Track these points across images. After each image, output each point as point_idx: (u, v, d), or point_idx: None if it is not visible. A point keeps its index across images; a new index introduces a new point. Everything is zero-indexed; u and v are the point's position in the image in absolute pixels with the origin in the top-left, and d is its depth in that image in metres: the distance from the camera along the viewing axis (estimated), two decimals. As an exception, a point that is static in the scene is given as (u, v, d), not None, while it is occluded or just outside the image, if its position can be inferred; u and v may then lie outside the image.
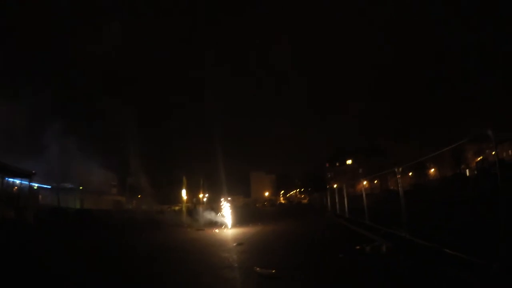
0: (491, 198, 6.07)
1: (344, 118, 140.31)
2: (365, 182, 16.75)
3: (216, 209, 29.51)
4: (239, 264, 9.31)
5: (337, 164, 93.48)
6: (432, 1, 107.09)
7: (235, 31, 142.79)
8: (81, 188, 45.40)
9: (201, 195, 63.94)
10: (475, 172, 39.80)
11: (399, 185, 9.95)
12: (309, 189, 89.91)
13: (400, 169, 10.03)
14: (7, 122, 31.60)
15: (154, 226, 23.36)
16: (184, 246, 14.27)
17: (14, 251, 12.50)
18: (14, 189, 23.54)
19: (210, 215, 27.47)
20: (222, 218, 25.01)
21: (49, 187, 35.53)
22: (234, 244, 13.50)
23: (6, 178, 21.61)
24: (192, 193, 59.81)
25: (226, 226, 22.54)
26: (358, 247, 10.08)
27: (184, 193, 33.42)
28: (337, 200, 23.19)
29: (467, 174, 44.40)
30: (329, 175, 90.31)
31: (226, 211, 25.30)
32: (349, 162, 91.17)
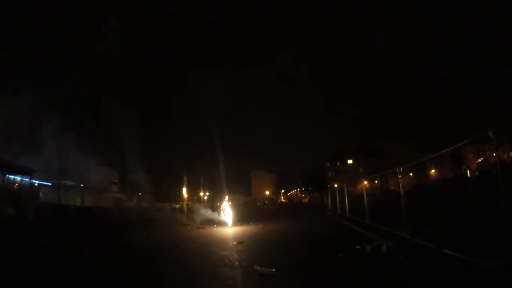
0: (492, 199, 6.08)
1: (344, 118, 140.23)
2: (366, 182, 16.77)
3: (217, 207, 29.56)
4: (239, 262, 9.32)
5: (338, 163, 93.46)
6: (433, 1, 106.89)
7: (235, 31, 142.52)
8: (81, 185, 45.42)
9: (201, 193, 63.94)
10: (476, 174, 39.79)
11: (400, 185, 9.96)
12: (310, 188, 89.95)
13: (401, 169, 10.04)
14: (8, 120, 31.57)
15: (154, 224, 23.37)
16: (184, 244, 14.27)
17: (15, 249, 12.54)
18: (14, 186, 23.55)
19: (210, 213, 27.52)
20: (223, 217, 25.04)
21: (50, 184, 35.55)
22: (235, 243, 13.50)
23: (7, 175, 21.61)
24: (193, 191, 59.86)
25: (226, 225, 22.56)
26: (358, 247, 10.08)
27: (184, 191, 33.44)
28: (337, 199, 23.19)
29: (468, 175, 44.41)
30: (330, 175, 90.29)
31: (227, 210, 25.32)
32: (350, 162, 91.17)
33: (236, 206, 36.66)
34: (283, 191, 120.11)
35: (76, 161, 42.36)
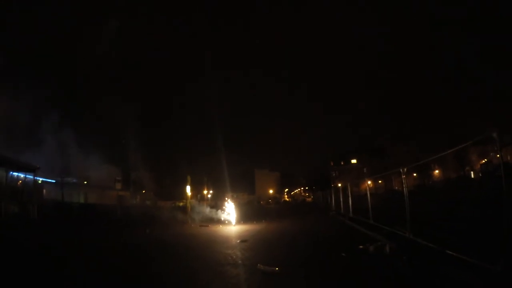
0: (496, 201, 6.09)
1: (345, 118, 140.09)
2: (369, 182, 16.77)
3: (220, 205, 29.60)
4: (242, 261, 9.36)
5: (342, 163, 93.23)
6: (433, 1, 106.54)
7: (236, 31, 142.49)
8: (85, 182, 45.50)
9: (205, 192, 63.99)
10: (480, 175, 39.69)
11: (404, 186, 9.96)
12: (314, 188, 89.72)
13: (405, 169, 10.05)
14: (12, 117, 31.67)
15: (157, 222, 23.44)
16: (188, 242, 14.34)
17: (18, 246, 12.59)
18: (18, 183, 23.62)
19: (214, 212, 27.57)
20: (226, 215, 25.09)
21: (54, 181, 35.59)
22: (238, 241, 13.55)
23: (11, 172, 21.67)
24: (197, 190, 59.91)
25: (229, 223, 22.61)
26: (361, 247, 10.09)
27: (188, 189, 33.47)
28: (341, 199, 23.16)
29: (472, 176, 44.28)
30: (333, 174, 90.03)
31: (230, 208, 25.37)
32: (353, 161, 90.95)
33: (239, 205, 36.66)
34: (286, 190, 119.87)
35: (79, 159, 42.50)
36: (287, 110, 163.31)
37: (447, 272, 6.51)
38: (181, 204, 50.14)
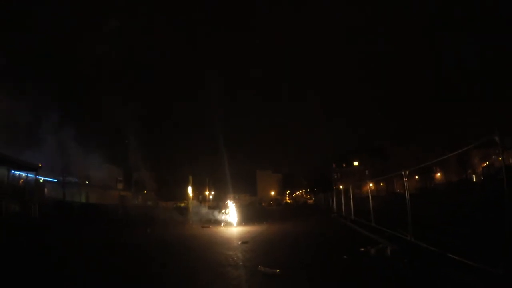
0: (497, 203, 6.08)
1: (345, 119, 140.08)
2: (371, 184, 16.76)
3: (222, 207, 29.60)
4: (243, 262, 9.35)
5: (344, 165, 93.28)
6: (433, 1, 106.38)
7: (236, 31, 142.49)
8: (87, 182, 45.54)
9: (207, 193, 63.97)
10: (482, 178, 39.60)
11: (406, 189, 9.95)
12: (315, 190, 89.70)
13: (407, 172, 10.04)
14: (14, 117, 31.72)
15: (159, 222, 23.42)
16: (189, 243, 14.34)
17: (19, 245, 12.61)
18: (20, 182, 23.65)
19: (215, 213, 27.54)
20: (228, 216, 25.07)
21: (55, 180, 35.61)
22: (239, 243, 13.54)
23: (12, 171, 21.69)
24: (198, 190, 59.89)
25: (231, 224, 22.60)
26: (363, 249, 10.09)
27: (190, 190, 33.44)
28: (343, 201, 23.17)
29: (474, 179, 44.19)
30: (335, 176, 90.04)
31: (232, 209, 25.35)
32: (355, 163, 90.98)
33: (241, 206, 36.66)
34: (288, 191, 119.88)
35: (81, 158, 42.55)
36: (287, 110, 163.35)
37: (449, 274, 6.51)
38: (182, 204, 50.09)
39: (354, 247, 10.72)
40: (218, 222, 23.95)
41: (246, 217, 26.31)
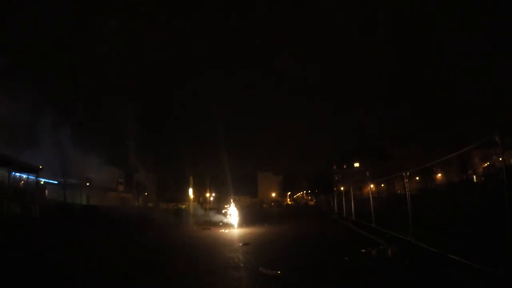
0: (498, 204, 6.07)
1: (345, 120, 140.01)
2: (372, 186, 16.75)
3: (223, 208, 29.63)
4: (244, 264, 9.35)
5: (345, 166, 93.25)
6: (433, 1, 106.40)
7: (236, 31, 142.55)
8: (87, 184, 45.56)
9: (207, 194, 63.94)
10: (482, 178, 39.53)
11: (407, 190, 9.94)
12: (316, 191, 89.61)
13: (408, 173, 10.03)
14: (15, 118, 31.78)
15: (159, 224, 23.40)
16: (190, 245, 14.34)
17: (19, 246, 12.61)
18: (20, 183, 23.63)
19: (216, 215, 27.57)
20: (229, 218, 25.08)
21: (56, 182, 35.65)
22: (240, 244, 13.55)
23: (13, 173, 21.67)
24: (199, 192, 59.86)
25: (232, 226, 22.61)
26: (364, 250, 10.09)
27: (190, 191, 33.45)
28: (343, 202, 23.15)
29: (474, 180, 44.10)
30: (336, 178, 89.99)
31: (233, 211, 25.36)
32: (356, 165, 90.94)
33: (242, 208, 36.66)
34: (289, 193, 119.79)
35: (82, 160, 42.60)
36: (288, 110, 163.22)
37: (449, 275, 6.50)
38: (183, 206, 50.10)
39: (355, 248, 10.73)
40: (219, 224, 23.97)
41: (247, 219, 26.31)
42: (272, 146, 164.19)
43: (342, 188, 28.25)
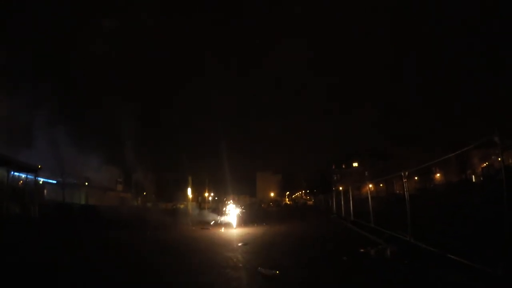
0: (497, 204, 6.07)
1: (347, 119, 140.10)
2: (371, 185, 16.75)
3: (221, 208, 29.64)
4: (243, 264, 9.34)
5: (343, 166, 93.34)
6: (433, 1, 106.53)
7: (236, 31, 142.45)
8: (86, 184, 45.52)
9: (206, 194, 63.96)
10: (481, 178, 39.51)
11: (405, 189, 9.94)
12: (315, 191, 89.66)
13: (407, 173, 10.03)
14: (13, 117, 31.75)
15: (158, 224, 23.36)
16: (188, 245, 14.35)
17: (18, 246, 12.59)
18: (19, 183, 23.61)
19: (215, 214, 27.56)
20: (227, 218, 25.07)
21: (55, 182, 35.61)
22: (239, 244, 13.53)
23: (12, 172, 21.64)
24: (198, 192, 59.84)
25: (230, 226, 22.60)
26: (362, 250, 10.09)
27: (189, 191, 33.46)
28: (342, 202, 23.15)
29: (473, 180, 44.10)
30: (335, 177, 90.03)
31: (231, 211, 25.37)
32: (355, 164, 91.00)
33: (240, 208, 36.69)
34: (288, 193, 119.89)
35: (81, 160, 42.56)
36: (287, 111, 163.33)
37: (448, 275, 6.50)
38: (182, 206, 50.13)
39: (353, 248, 10.73)
40: (217, 224, 23.95)
41: (246, 219, 26.31)
42: (271, 146, 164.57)
43: (341, 188, 28.21)
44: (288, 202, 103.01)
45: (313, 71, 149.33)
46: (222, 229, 20.97)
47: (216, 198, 70.34)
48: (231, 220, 24.13)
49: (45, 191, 32.41)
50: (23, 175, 23.56)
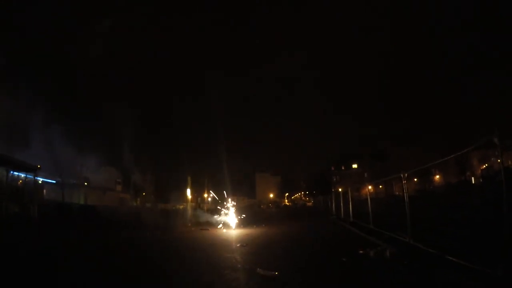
0: (496, 205, 6.08)
1: (347, 119, 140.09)
2: (370, 187, 16.77)
3: (221, 209, 29.58)
4: (242, 265, 9.33)
5: (343, 167, 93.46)
6: (433, 2, 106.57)
7: (236, 31, 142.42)
8: (86, 184, 45.59)
9: (205, 195, 63.98)
10: (481, 180, 39.55)
11: (405, 191, 9.94)
12: (314, 192, 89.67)
13: (406, 174, 10.03)
14: (13, 117, 31.80)
15: (157, 224, 23.35)
16: (187, 246, 14.33)
17: (18, 246, 12.59)
18: (19, 183, 23.60)
19: (214, 215, 27.52)
20: (226, 219, 25.04)
21: (54, 182, 35.67)
22: (238, 245, 13.52)
23: (11, 172, 21.63)
24: (197, 193, 59.87)
25: (230, 227, 22.58)
26: (362, 251, 10.08)
27: (188, 192, 33.46)
28: (341, 203, 23.16)
29: (473, 181, 44.13)
30: (334, 179, 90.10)
31: (231, 212, 25.34)
32: (354, 166, 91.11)
33: (239, 209, 36.65)
34: (287, 194, 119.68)
35: (80, 160, 42.63)
36: (287, 111, 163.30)
37: (448, 276, 6.50)
38: (181, 207, 50.15)
39: (353, 249, 10.72)
40: (216, 225, 23.93)
41: (245, 220, 26.28)
42: (271, 146, 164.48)
43: (340, 189, 28.24)
44: (288, 203, 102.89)
45: (313, 71, 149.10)
46: (221, 230, 20.96)
47: (215, 199, 70.38)
48: (230, 221, 24.09)
49: (45, 191, 32.47)
50: (22, 175, 23.56)
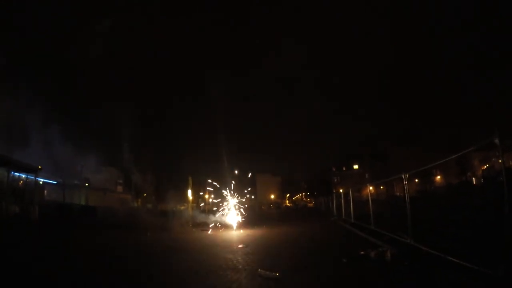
0: (497, 206, 6.07)
1: (348, 119, 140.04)
2: (371, 188, 16.74)
3: (221, 210, 29.53)
4: (243, 266, 9.32)
5: (344, 168, 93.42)
6: (433, 2, 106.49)
7: (235, 31, 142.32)
8: (86, 184, 45.59)
9: (206, 196, 63.87)
10: (481, 180, 39.50)
11: (406, 192, 9.93)
12: (315, 193, 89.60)
13: (407, 175, 10.02)
14: (14, 118, 31.83)
15: (158, 225, 23.34)
16: (188, 246, 14.34)
17: (19, 246, 12.60)
18: (19, 183, 23.63)
19: (215, 216, 27.49)
20: (227, 220, 25.02)
21: (55, 182, 35.68)
22: (239, 246, 13.52)
23: (12, 172, 21.67)
24: (198, 194, 59.75)
25: (231, 228, 22.56)
26: (362, 252, 10.06)
27: (189, 193, 33.37)
28: (342, 204, 23.12)
29: (474, 182, 44.07)
30: (335, 180, 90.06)
31: (231, 213, 25.32)
32: (355, 167, 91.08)
33: (239, 209, 36.61)
34: (288, 195, 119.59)
35: (81, 161, 42.64)
36: (288, 111, 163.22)
37: (449, 277, 6.49)
38: (182, 208, 50.05)
39: (354, 250, 10.70)
40: (217, 226, 23.90)
41: (246, 221, 26.24)
42: (271, 147, 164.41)
43: (341, 190, 28.20)
44: (288, 204, 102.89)
45: (313, 71, 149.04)
46: (222, 231, 20.94)
47: (216, 200, 70.23)
48: (231, 222, 24.08)
49: (45, 191, 32.46)
50: (23, 176, 23.58)
